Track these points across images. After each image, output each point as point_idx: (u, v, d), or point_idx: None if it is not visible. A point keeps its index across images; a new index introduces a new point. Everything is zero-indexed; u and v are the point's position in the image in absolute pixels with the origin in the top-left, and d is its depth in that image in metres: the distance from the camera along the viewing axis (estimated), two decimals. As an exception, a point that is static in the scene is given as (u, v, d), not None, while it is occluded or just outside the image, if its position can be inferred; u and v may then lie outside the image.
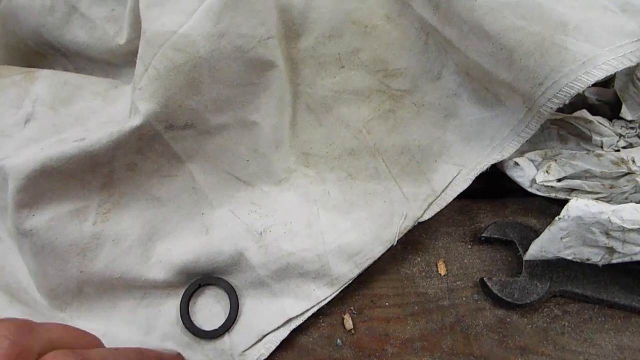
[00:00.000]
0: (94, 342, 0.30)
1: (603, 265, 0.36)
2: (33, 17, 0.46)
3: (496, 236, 0.40)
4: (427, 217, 0.40)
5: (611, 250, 0.34)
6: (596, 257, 0.35)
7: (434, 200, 0.40)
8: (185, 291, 0.40)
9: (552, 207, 0.41)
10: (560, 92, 0.33)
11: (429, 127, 0.43)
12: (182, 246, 0.41)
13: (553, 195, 0.39)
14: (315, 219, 0.41)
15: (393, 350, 0.38)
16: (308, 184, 0.42)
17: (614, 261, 0.35)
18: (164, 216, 0.41)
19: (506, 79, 0.37)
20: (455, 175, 0.41)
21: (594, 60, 0.33)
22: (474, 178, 0.40)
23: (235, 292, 0.39)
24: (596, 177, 0.37)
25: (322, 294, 0.39)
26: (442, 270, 0.41)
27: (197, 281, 0.40)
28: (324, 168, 0.43)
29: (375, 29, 0.44)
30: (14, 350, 0.23)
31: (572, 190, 0.38)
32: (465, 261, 0.41)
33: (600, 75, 0.33)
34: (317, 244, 0.40)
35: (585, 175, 0.37)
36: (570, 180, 0.38)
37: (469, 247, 0.41)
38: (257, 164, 0.41)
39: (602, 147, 0.37)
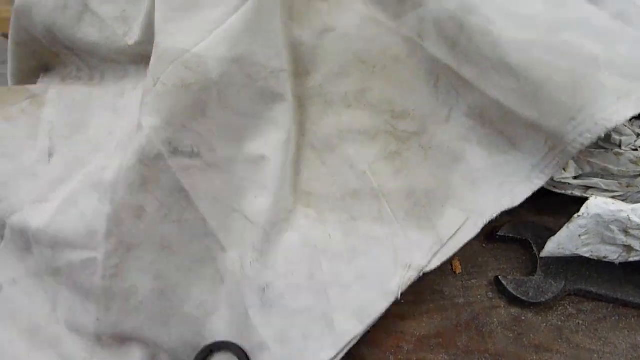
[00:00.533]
0: None
1: (618, 264, 0.36)
2: (46, 14, 0.46)
3: (511, 235, 0.40)
4: (432, 266, 0.37)
5: (629, 248, 0.34)
6: (613, 254, 0.35)
7: (439, 249, 0.38)
8: (196, 356, 0.37)
9: (566, 205, 0.40)
10: (596, 126, 0.33)
11: (435, 170, 0.41)
12: (196, 298, 0.39)
13: (569, 192, 0.39)
14: (317, 268, 0.38)
15: (408, 347, 0.37)
16: (308, 225, 0.40)
17: (631, 259, 0.35)
18: (176, 265, 0.38)
19: (530, 115, 0.36)
20: (462, 222, 0.39)
21: (629, 94, 0.33)
22: (482, 226, 0.38)
23: (247, 356, 0.36)
24: (613, 175, 0.37)
25: (326, 355, 0.35)
26: (457, 268, 0.40)
27: (208, 346, 0.37)
28: (325, 208, 0.41)
29: (383, 70, 0.43)
30: None
31: (587, 188, 0.38)
32: (480, 259, 0.40)
33: (636, 108, 0.32)
34: (321, 300, 0.37)
35: (602, 173, 0.37)
36: (587, 178, 0.38)
37: (484, 245, 0.41)
38: (264, 201, 0.38)
39: (620, 146, 0.37)
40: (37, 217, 0.39)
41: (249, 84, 0.37)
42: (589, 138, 0.33)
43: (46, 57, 0.52)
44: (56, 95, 0.49)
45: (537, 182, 0.38)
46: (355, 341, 0.36)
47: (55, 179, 0.42)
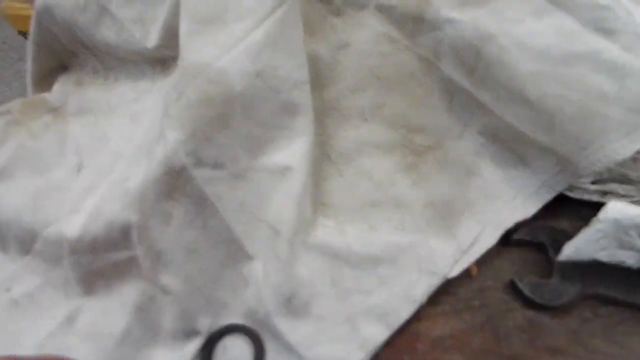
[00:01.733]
0: None
1: (635, 269, 0.36)
2: (67, 14, 0.46)
3: (527, 238, 0.40)
4: (454, 273, 0.38)
5: (646, 254, 0.34)
6: (631, 259, 0.35)
7: (461, 257, 0.39)
8: (208, 340, 0.38)
9: (582, 210, 0.40)
10: (605, 157, 0.35)
11: (451, 183, 0.42)
12: (220, 300, 0.40)
13: (586, 197, 0.39)
14: (340, 276, 0.39)
15: (423, 348, 0.38)
16: (327, 235, 0.40)
17: (649, 264, 0.35)
18: (203, 268, 0.39)
19: (543, 141, 0.38)
20: (479, 232, 0.40)
21: (637, 128, 0.35)
22: (499, 236, 0.39)
23: (261, 341, 0.37)
24: (631, 180, 0.37)
25: (354, 357, 0.36)
26: (474, 270, 0.40)
27: (220, 329, 0.38)
28: (344, 219, 0.42)
29: (399, 86, 0.44)
30: None
31: (605, 193, 0.38)
32: (496, 262, 0.40)
33: None
34: (345, 305, 0.38)
35: (620, 178, 0.37)
36: (605, 183, 0.38)
37: (500, 248, 0.40)
38: (288, 211, 0.39)
39: (638, 152, 0.37)
40: (72, 227, 0.40)
41: (273, 97, 0.38)
42: (600, 166, 0.36)
43: (65, 58, 0.53)
44: (77, 108, 0.50)
45: (546, 196, 0.40)
46: (381, 345, 0.37)
47: (84, 190, 0.43)
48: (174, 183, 0.38)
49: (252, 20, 0.38)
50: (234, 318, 0.39)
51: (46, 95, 0.50)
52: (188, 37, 0.38)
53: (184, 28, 0.39)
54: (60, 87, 0.54)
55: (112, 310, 0.41)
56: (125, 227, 0.38)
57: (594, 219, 0.34)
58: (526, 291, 0.37)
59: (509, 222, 0.40)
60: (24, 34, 0.99)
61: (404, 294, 0.38)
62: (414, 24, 0.43)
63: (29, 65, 0.55)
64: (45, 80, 0.56)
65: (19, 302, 0.43)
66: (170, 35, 0.44)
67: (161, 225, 0.38)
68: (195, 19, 0.39)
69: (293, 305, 0.38)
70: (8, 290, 0.44)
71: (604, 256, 0.34)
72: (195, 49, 0.38)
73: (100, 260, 0.41)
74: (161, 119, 0.38)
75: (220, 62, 0.37)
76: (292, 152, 0.40)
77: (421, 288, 0.38)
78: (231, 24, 0.38)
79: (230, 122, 0.38)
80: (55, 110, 0.49)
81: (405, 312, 0.37)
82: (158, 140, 0.38)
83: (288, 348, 0.36)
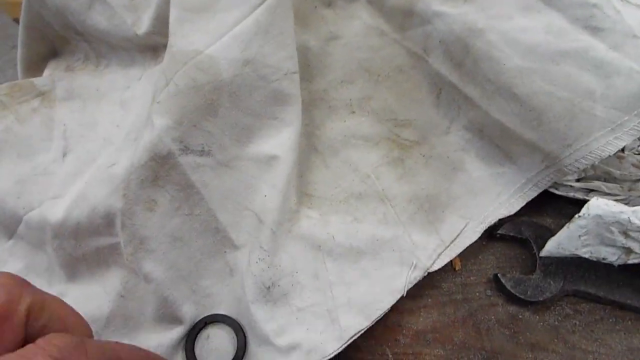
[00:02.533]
0: (87, 330, 0.26)
1: (616, 267, 0.36)
2: None
3: (511, 233, 0.40)
4: (436, 267, 0.38)
5: (628, 251, 0.34)
6: (612, 256, 0.35)
7: (443, 251, 0.39)
8: (191, 329, 0.38)
9: (567, 207, 0.40)
10: (590, 154, 0.35)
11: (436, 178, 0.42)
12: (205, 289, 0.39)
13: (571, 194, 0.38)
14: (322, 268, 0.39)
15: (405, 341, 0.38)
16: (311, 226, 0.40)
17: (630, 261, 0.35)
18: (188, 256, 0.39)
19: (530, 137, 0.38)
20: (462, 227, 0.40)
21: (622, 126, 0.35)
22: (482, 231, 0.39)
23: (243, 331, 0.37)
24: (615, 178, 0.37)
25: (330, 347, 0.36)
26: (457, 265, 0.40)
27: (203, 319, 0.38)
28: (328, 210, 0.41)
29: (387, 79, 0.44)
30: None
31: (589, 191, 0.38)
32: (480, 257, 0.40)
33: (628, 139, 0.34)
34: (326, 298, 0.38)
35: (605, 176, 0.37)
36: (589, 180, 0.38)
37: (484, 243, 0.41)
38: (273, 200, 0.39)
39: (623, 150, 0.37)
40: (55, 212, 0.39)
41: (262, 86, 0.38)
42: (584, 163, 0.36)
43: (56, 43, 0.53)
44: (65, 93, 0.49)
45: (530, 194, 0.40)
46: (358, 335, 0.36)
47: (69, 175, 0.42)
48: (160, 170, 0.37)
49: (243, 9, 0.37)
50: (219, 308, 0.39)
51: (34, 80, 0.49)
52: (178, 24, 0.38)
53: (174, 15, 0.38)
54: (51, 73, 0.53)
55: (95, 296, 0.40)
56: (109, 213, 0.38)
57: (576, 216, 0.34)
58: (509, 286, 0.37)
59: (493, 217, 0.40)
60: (18, 21, 0.98)
61: (385, 287, 0.38)
62: (404, 17, 0.43)
63: (19, 51, 0.54)
64: (35, 65, 0.55)
65: None
66: (162, 22, 0.43)
67: (145, 212, 0.38)
68: (186, 6, 0.38)
69: (272, 294, 0.38)
70: (-10, 274, 0.43)
71: (585, 252, 0.34)
72: (185, 36, 0.37)
73: (83, 246, 0.40)
74: (150, 105, 0.38)
75: (209, 49, 0.37)
76: (279, 141, 0.39)
77: (403, 281, 0.38)
78: (222, 12, 0.38)
79: (218, 110, 0.38)
80: (43, 95, 0.48)
81: (386, 304, 0.37)
82: (145, 127, 0.38)
83: (263, 337, 0.36)
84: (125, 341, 0.37)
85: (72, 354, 0.21)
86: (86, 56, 0.53)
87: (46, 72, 0.54)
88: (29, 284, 0.23)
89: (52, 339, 0.21)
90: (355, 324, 0.36)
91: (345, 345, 0.36)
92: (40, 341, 0.21)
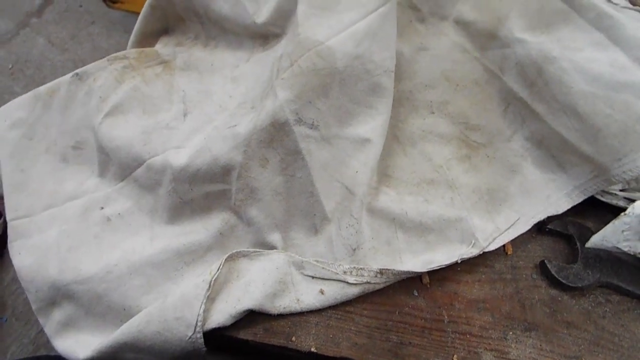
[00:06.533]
0: None
1: (647, 267, 0.42)
2: None
3: (558, 229, 0.45)
4: (491, 248, 0.44)
5: (661, 250, 0.40)
6: (647, 252, 0.40)
7: (498, 236, 0.44)
8: None
9: (607, 215, 0.44)
10: (637, 168, 0.41)
11: (497, 176, 0.48)
12: (293, 239, 0.45)
13: (614, 202, 0.44)
14: (394, 237, 0.44)
15: (460, 306, 0.43)
16: (388, 202, 0.45)
17: (661, 259, 0.40)
18: (285, 209, 0.45)
19: (585, 150, 0.43)
20: (515, 220, 0.45)
21: None
22: (532, 225, 0.45)
23: None
24: (655, 191, 0.43)
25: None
26: (509, 250, 0.45)
27: None
28: (403, 191, 0.47)
29: (464, 89, 0.50)
30: None
31: (631, 200, 0.44)
32: (529, 246, 0.46)
33: None
34: (395, 261, 0.44)
35: (646, 188, 0.43)
36: (632, 191, 0.44)
37: (533, 235, 0.46)
38: (364, 175, 0.44)
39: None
40: (179, 158, 0.45)
41: (366, 78, 0.43)
42: (630, 175, 0.41)
43: (170, 21, 0.59)
44: (184, 64, 0.57)
45: (576, 199, 0.45)
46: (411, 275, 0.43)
47: (190, 130, 0.48)
48: (276, 134, 0.43)
49: (360, 12, 0.43)
50: (302, 255, 0.45)
51: (158, 49, 0.56)
52: (305, 18, 0.44)
53: (301, 9, 0.44)
54: (162, 48, 0.60)
55: (195, 232, 0.46)
56: (228, 164, 0.44)
57: (622, 214, 0.39)
58: (553, 271, 0.43)
59: (542, 215, 0.45)
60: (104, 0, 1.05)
61: (445, 255, 0.44)
62: (486, 39, 0.49)
63: (137, 25, 0.59)
64: (146, 40, 0.61)
65: (110, 219, 0.49)
66: (279, 16, 0.50)
67: (258, 168, 0.44)
68: (313, 4, 0.44)
69: (356, 255, 0.44)
70: (102, 208, 0.49)
71: (625, 246, 0.40)
72: (311, 28, 0.43)
73: (195, 191, 0.46)
74: (273, 80, 0.44)
75: (329, 41, 0.43)
76: (373, 127, 0.45)
77: (461, 251, 0.43)
78: (342, 13, 0.44)
79: (329, 93, 0.43)
80: (165, 63, 0.55)
81: (443, 261, 0.43)
82: (267, 97, 0.44)
83: (344, 282, 0.42)
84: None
85: None
86: (196, 36, 0.60)
87: (157, 46, 0.61)
88: None
89: None
90: (412, 267, 0.43)
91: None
92: None
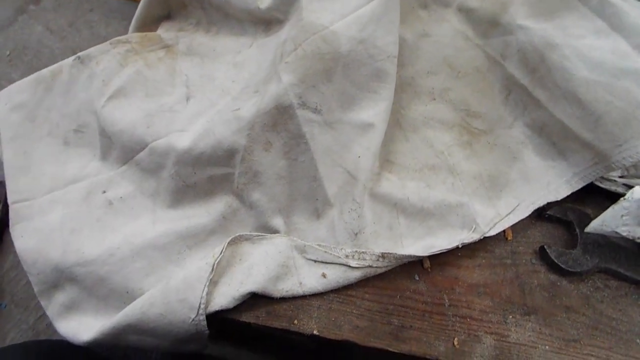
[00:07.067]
0: None
1: (646, 254, 0.42)
2: None
3: (557, 215, 0.45)
4: (492, 233, 0.44)
5: (659, 234, 0.40)
6: (645, 236, 0.41)
7: (499, 221, 0.45)
8: None
9: (606, 201, 0.44)
10: (637, 154, 0.41)
11: (498, 163, 0.48)
12: (296, 223, 0.45)
13: (613, 188, 0.45)
14: (395, 222, 0.45)
15: (460, 290, 0.43)
16: (390, 187, 0.46)
17: (658, 243, 0.41)
18: (287, 193, 0.45)
19: (586, 137, 0.43)
20: (515, 206, 0.46)
21: None
22: (531, 211, 0.45)
23: None
24: (654, 177, 0.43)
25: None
26: (509, 235, 0.46)
27: None
28: (405, 176, 0.47)
29: (466, 76, 0.50)
30: None
31: (630, 187, 0.44)
32: (529, 232, 0.46)
33: None
34: (397, 245, 0.44)
35: (645, 175, 0.43)
36: (631, 178, 0.44)
37: (533, 221, 0.47)
38: (366, 160, 0.44)
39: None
40: (182, 141, 0.45)
41: (370, 63, 0.43)
42: (630, 161, 0.42)
43: (172, 7, 0.58)
44: (186, 49, 0.56)
45: (576, 186, 0.45)
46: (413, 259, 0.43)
47: (193, 114, 0.48)
48: (280, 118, 0.43)
49: (362, -1, 0.44)
50: (304, 239, 0.45)
51: (161, 34, 0.56)
52: (309, 2, 0.44)
53: None
54: (164, 32, 0.60)
55: (197, 216, 0.46)
56: (232, 147, 0.44)
57: (621, 199, 0.40)
58: (553, 256, 0.43)
59: (541, 201, 0.46)
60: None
61: (446, 240, 0.44)
62: (489, 26, 0.49)
63: (138, 11, 0.59)
64: (147, 26, 0.61)
65: (112, 202, 0.48)
66: (283, 1, 0.50)
67: (262, 151, 0.44)
68: None
69: (358, 239, 0.44)
70: (104, 192, 0.49)
71: (624, 231, 0.40)
72: (314, 12, 0.43)
73: (198, 174, 0.46)
74: (277, 64, 0.44)
75: (334, 26, 0.43)
76: (376, 112, 0.45)
77: (462, 236, 0.44)
78: (345, -2, 0.44)
79: (332, 77, 0.43)
80: (167, 47, 0.54)
81: (444, 245, 0.43)
82: (271, 81, 0.44)
83: (347, 265, 0.42)
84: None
85: None
86: (198, 22, 0.59)
87: (159, 31, 0.60)
88: None
89: None
90: (414, 251, 0.43)
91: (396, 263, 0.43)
92: None
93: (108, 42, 0.52)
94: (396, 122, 0.50)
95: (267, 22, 0.54)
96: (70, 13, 1.13)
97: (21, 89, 0.52)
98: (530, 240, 0.46)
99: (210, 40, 0.56)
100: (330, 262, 0.42)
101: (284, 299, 0.43)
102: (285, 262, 0.42)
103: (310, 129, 0.43)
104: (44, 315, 0.80)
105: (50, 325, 0.80)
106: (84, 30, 1.10)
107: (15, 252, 0.46)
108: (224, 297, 0.41)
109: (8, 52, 1.09)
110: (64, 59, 0.52)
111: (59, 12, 1.14)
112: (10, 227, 0.47)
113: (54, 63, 0.54)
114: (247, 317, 0.42)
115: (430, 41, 0.51)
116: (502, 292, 0.44)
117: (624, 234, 0.40)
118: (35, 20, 1.13)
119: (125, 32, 0.59)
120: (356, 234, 0.43)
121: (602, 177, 0.44)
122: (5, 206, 0.49)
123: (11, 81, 1.09)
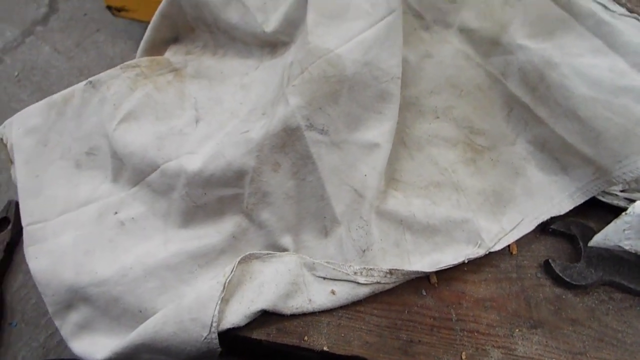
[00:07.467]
0: None
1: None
2: None
3: (561, 229, 0.46)
4: (497, 248, 0.45)
5: (661, 248, 0.41)
6: (648, 250, 0.41)
7: (503, 236, 0.46)
8: None
9: (608, 215, 0.45)
10: (637, 170, 0.42)
11: (501, 178, 0.49)
12: (304, 241, 0.46)
13: (615, 202, 0.45)
14: (402, 239, 0.46)
15: (467, 304, 0.44)
16: (396, 204, 0.46)
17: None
18: (296, 212, 0.46)
19: (587, 153, 0.44)
20: (519, 221, 0.46)
21: None
22: (535, 225, 0.46)
23: None
24: (655, 192, 0.44)
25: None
26: (514, 250, 0.46)
27: None
28: (411, 194, 0.48)
29: (468, 94, 0.52)
30: None
31: (631, 201, 0.45)
32: (533, 246, 0.47)
33: None
34: (404, 262, 0.45)
35: (646, 189, 0.44)
36: (632, 192, 0.45)
37: (537, 235, 0.47)
38: (373, 179, 0.45)
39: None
40: (193, 163, 0.46)
41: (374, 85, 0.45)
42: (630, 176, 0.42)
43: (181, 30, 0.60)
44: (194, 72, 0.57)
45: (578, 200, 0.46)
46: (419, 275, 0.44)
47: (202, 136, 0.49)
48: (288, 139, 0.44)
49: (367, 21, 0.45)
50: (313, 257, 0.45)
51: (170, 57, 0.57)
52: (315, 26, 0.45)
53: (311, 18, 0.45)
54: (172, 56, 0.61)
55: (208, 236, 0.47)
56: (241, 169, 0.45)
57: (623, 213, 0.41)
58: (558, 270, 0.44)
59: (545, 216, 0.47)
60: (110, 8, 1.06)
61: (452, 256, 0.45)
62: (489, 46, 0.51)
63: (147, 33, 0.60)
64: (155, 48, 0.63)
65: (124, 223, 0.49)
66: (288, 24, 0.51)
67: (271, 172, 0.45)
68: (322, 13, 0.45)
69: (366, 256, 0.44)
70: (116, 213, 0.50)
71: (627, 244, 0.41)
72: (320, 36, 0.45)
73: (208, 195, 0.47)
74: (284, 87, 0.45)
75: (339, 49, 0.44)
76: (381, 132, 0.46)
77: (467, 252, 0.44)
78: (351, 21, 0.45)
79: (339, 99, 0.44)
80: (176, 71, 0.56)
81: (449, 261, 0.44)
82: (278, 103, 0.45)
83: (355, 282, 0.43)
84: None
85: None
86: (205, 44, 0.61)
87: (167, 54, 0.62)
88: None
89: None
90: (421, 267, 0.43)
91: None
92: None
93: (118, 66, 0.53)
94: (401, 140, 0.51)
95: (272, 45, 0.55)
96: (77, 33, 1.15)
97: (34, 113, 0.53)
98: (534, 254, 0.47)
99: (217, 62, 0.57)
100: (339, 279, 0.43)
101: (294, 316, 0.43)
102: (294, 279, 0.43)
103: (317, 150, 0.44)
104: (54, 333, 0.81)
105: (60, 343, 0.80)
106: (91, 50, 1.12)
107: (25, 271, 0.47)
108: (236, 315, 0.42)
109: (16, 73, 1.11)
110: (71, 79, 0.54)
111: (66, 33, 1.16)
112: (24, 248, 0.48)
113: (61, 83, 0.56)
114: (258, 334, 0.43)
115: (432, 62, 0.52)
116: (509, 306, 0.44)
117: (627, 247, 0.41)
118: (42, 41, 1.15)
119: (132, 51, 0.60)
120: (364, 251, 0.44)
121: (603, 191, 0.45)
122: (15, 226, 0.50)
123: (20, 101, 1.11)
